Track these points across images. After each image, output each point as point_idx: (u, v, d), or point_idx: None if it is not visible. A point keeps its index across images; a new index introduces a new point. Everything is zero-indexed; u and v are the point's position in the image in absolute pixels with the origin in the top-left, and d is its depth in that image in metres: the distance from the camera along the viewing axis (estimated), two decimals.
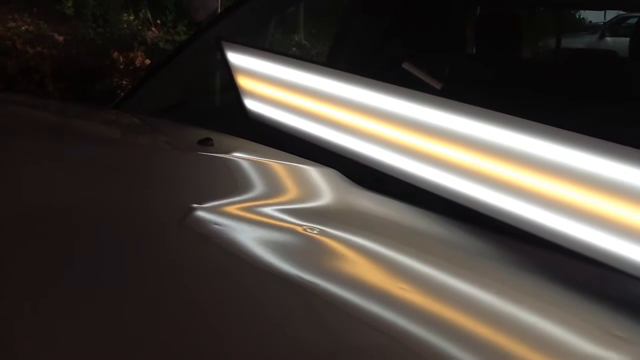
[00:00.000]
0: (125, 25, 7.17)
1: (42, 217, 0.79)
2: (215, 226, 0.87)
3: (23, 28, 6.34)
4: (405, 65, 1.50)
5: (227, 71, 1.61)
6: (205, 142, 1.20)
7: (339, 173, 1.26)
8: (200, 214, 0.90)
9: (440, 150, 1.36)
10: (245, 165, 1.20)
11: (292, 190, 1.14)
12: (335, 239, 0.87)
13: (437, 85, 1.47)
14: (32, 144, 1.10)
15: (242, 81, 1.66)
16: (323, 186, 1.18)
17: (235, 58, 1.65)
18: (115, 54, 6.41)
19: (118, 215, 0.83)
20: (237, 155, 1.24)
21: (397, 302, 0.71)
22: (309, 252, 0.80)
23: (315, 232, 0.82)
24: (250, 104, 1.68)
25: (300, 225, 0.85)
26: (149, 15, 7.47)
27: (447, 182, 1.32)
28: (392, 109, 1.40)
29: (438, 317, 0.73)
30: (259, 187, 1.10)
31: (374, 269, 0.81)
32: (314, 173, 1.22)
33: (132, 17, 7.25)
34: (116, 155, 1.15)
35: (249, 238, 0.83)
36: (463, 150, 1.29)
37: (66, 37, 6.48)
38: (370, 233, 0.95)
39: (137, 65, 6.39)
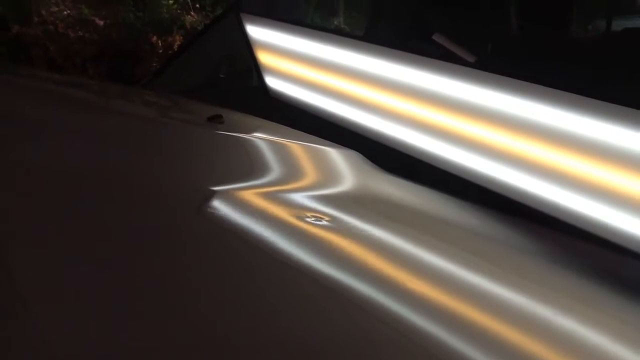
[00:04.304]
0: (164, 10, 7.21)
1: (56, 179, 0.76)
2: (214, 210, 0.80)
3: (65, 12, 6.44)
4: (437, 37, 1.38)
5: (247, 46, 1.53)
6: (216, 119, 1.13)
7: (362, 156, 1.17)
8: (205, 195, 0.83)
9: (479, 133, 1.24)
10: (260, 145, 1.12)
11: (309, 173, 1.05)
12: (344, 228, 0.78)
13: (471, 59, 1.35)
14: (59, 116, 1.08)
15: (263, 57, 1.58)
16: (343, 169, 1.09)
17: (255, 32, 1.56)
18: (154, 38, 6.45)
19: (119, 182, 0.79)
20: (251, 134, 1.16)
21: (403, 296, 0.62)
22: (310, 243, 0.72)
23: (322, 222, 0.74)
24: (271, 81, 1.60)
25: (308, 214, 0.77)
26: (188, 0, 7.50)
27: (488, 169, 1.21)
28: (429, 86, 1.28)
29: (452, 315, 0.64)
30: (272, 169, 1.02)
31: (383, 260, 0.72)
32: (335, 155, 1.13)
33: (171, 2, 7.28)
34: (133, 127, 1.10)
35: (249, 224, 0.75)
36: (503, 132, 1.18)
37: (107, 21, 6.56)
38: (388, 221, 0.86)
39: (176, 49, 6.41)
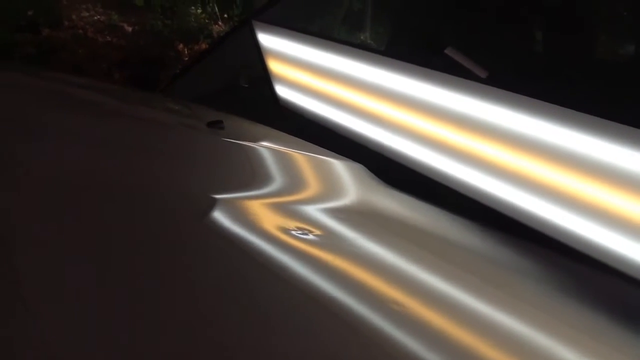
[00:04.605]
0: (192, 19, 7.31)
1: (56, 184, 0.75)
2: (202, 216, 0.78)
3: (95, 18, 6.56)
4: (450, 52, 1.34)
5: (259, 54, 1.51)
6: (216, 125, 1.11)
7: (366, 169, 1.14)
8: (199, 201, 0.81)
9: (489, 152, 1.20)
10: (260, 153, 1.09)
11: (308, 183, 1.02)
12: (331, 242, 0.74)
13: (483, 74, 1.31)
14: (57, 117, 1.07)
15: (274, 65, 1.56)
16: (344, 182, 1.05)
17: (267, 40, 1.54)
18: (180, 45, 6.52)
19: (114, 186, 0.79)
20: (253, 142, 1.14)
21: (386, 320, 0.59)
22: (290, 255, 0.69)
23: (309, 235, 0.71)
24: (281, 90, 1.57)
25: (296, 225, 0.74)
26: (217, 10, 7.58)
27: (495, 189, 1.16)
28: (440, 101, 1.25)
29: (433, 331, 0.60)
30: (270, 178, 0.99)
31: (369, 279, 0.69)
32: (337, 167, 1.10)
33: (199, 11, 7.38)
34: (134, 131, 1.08)
35: (234, 233, 0.72)
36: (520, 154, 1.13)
37: (135, 27, 6.66)
38: (383, 235, 0.82)
39: None
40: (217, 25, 7.61)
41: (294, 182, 0.99)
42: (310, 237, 0.73)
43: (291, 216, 0.80)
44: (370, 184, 1.02)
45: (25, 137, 0.95)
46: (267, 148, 1.09)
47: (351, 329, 0.58)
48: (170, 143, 1.04)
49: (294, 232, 0.73)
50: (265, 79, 1.49)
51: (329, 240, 0.76)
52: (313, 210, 0.84)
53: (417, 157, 1.27)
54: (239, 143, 1.10)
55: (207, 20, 7.49)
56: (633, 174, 0.88)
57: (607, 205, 0.94)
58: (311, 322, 0.56)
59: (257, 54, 1.49)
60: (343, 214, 0.89)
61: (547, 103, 1.05)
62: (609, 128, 0.96)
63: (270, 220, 0.79)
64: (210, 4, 7.52)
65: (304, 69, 1.40)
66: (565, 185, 1.01)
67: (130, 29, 6.69)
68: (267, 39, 1.47)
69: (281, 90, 1.46)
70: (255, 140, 1.15)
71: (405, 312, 0.62)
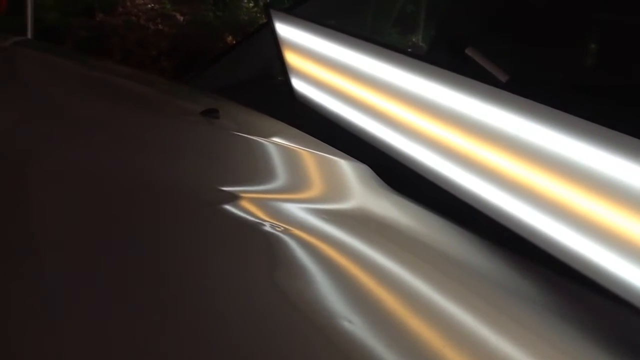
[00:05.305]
0: (244, 12, 7.36)
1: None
2: (182, 208, 0.74)
3: (149, 6, 6.68)
4: (470, 52, 1.26)
5: (275, 45, 1.46)
6: (210, 113, 1.07)
7: (370, 170, 1.08)
8: (184, 193, 0.78)
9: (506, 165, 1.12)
10: (257, 146, 1.05)
11: (303, 180, 0.97)
12: (303, 241, 0.70)
13: (504, 78, 1.22)
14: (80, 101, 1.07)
15: (292, 58, 1.50)
16: (343, 181, 1.00)
17: (285, 31, 1.48)
18: (230, 38, 6.58)
19: (110, 176, 0.78)
20: (251, 134, 1.10)
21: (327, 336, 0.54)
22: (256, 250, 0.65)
23: (280, 230, 0.66)
24: (298, 84, 1.52)
25: (270, 220, 0.69)
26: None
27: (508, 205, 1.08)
28: (458, 107, 1.17)
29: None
30: (262, 171, 0.95)
31: (329, 282, 0.63)
32: (339, 166, 1.04)
33: (251, 5, 7.43)
34: (128, 118, 1.07)
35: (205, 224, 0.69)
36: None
37: (186, 17, 6.75)
38: (362, 240, 0.76)
39: None
40: None
41: (285, 177, 0.94)
42: (282, 233, 0.68)
43: (269, 212, 0.76)
44: (371, 185, 0.96)
45: (28, 120, 0.93)
46: (265, 141, 1.05)
47: (314, 328, 0.54)
48: (164, 132, 1.01)
49: (265, 227, 0.69)
50: (282, 71, 1.44)
51: (305, 239, 0.71)
52: (296, 208, 0.79)
53: (429, 163, 1.20)
54: (230, 133, 1.06)
55: (258, 14, 7.53)
56: None
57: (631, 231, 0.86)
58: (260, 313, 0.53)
59: (275, 45, 1.45)
60: (333, 212, 0.84)
61: (568, 115, 0.97)
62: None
63: (245, 213, 0.75)
64: None
65: (320, 63, 1.35)
66: (586, 207, 0.92)
67: (181, 18, 6.79)
68: (285, 30, 1.43)
69: (298, 84, 1.41)
70: (255, 132, 1.11)
71: (351, 331, 0.57)
